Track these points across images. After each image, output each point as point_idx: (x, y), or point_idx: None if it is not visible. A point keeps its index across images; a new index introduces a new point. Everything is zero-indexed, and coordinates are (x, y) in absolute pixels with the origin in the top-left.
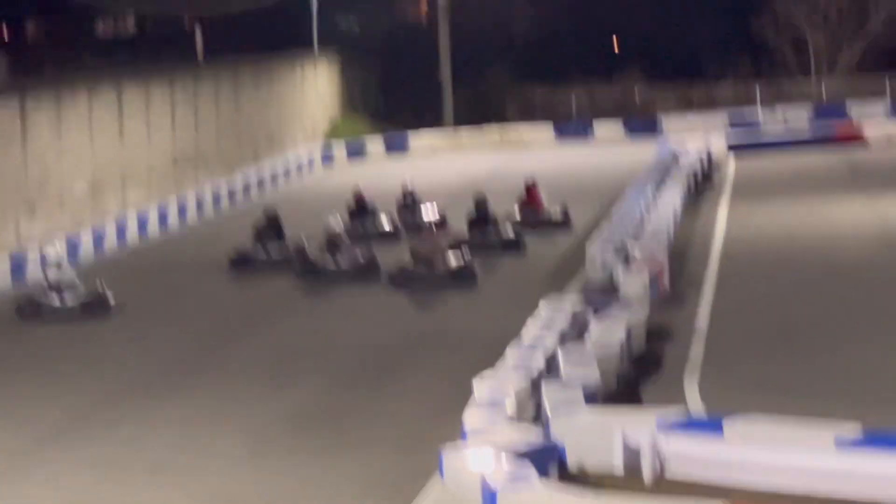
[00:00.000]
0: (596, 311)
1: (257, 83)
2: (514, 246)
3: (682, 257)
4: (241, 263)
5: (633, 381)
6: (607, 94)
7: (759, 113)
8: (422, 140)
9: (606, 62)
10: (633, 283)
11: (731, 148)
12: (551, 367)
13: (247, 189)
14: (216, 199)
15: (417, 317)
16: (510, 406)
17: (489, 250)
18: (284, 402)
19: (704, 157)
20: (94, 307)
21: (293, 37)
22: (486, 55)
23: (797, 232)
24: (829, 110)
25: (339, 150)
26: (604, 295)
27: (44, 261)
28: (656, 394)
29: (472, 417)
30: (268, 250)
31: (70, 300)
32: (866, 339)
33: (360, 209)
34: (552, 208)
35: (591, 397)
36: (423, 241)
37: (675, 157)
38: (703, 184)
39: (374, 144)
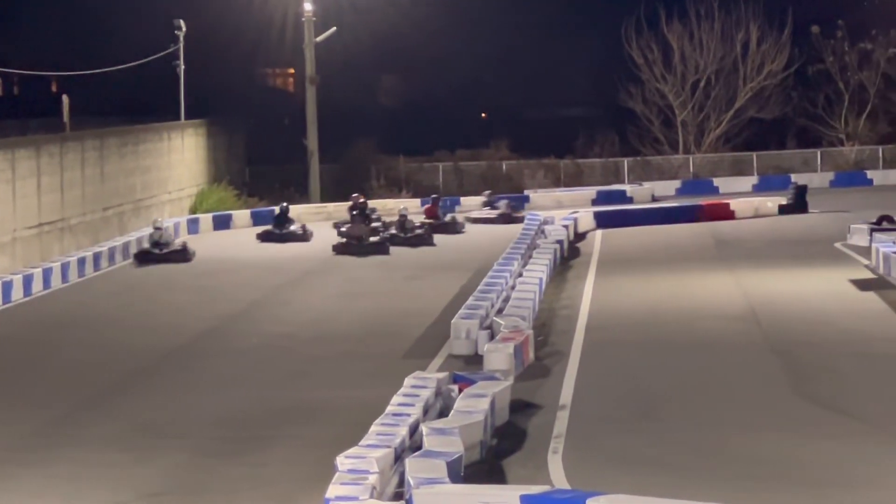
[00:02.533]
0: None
1: (123, 152)
2: (425, 242)
3: (548, 329)
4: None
5: (497, 453)
6: (474, 167)
7: (627, 186)
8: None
9: (474, 135)
10: (498, 355)
11: (598, 221)
12: (415, 440)
13: (112, 256)
14: (81, 265)
15: (283, 387)
16: (373, 480)
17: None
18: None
19: (571, 229)
20: (182, 254)
21: (160, 104)
22: (354, 126)
23: (662, 305)
24: (697, 185)
25: (206, 219)
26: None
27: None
28: (520, 466)
29: (335, 492)
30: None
31: (166, 250)
32: (722, 414)
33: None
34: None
35: (455, 470)
36: (351, 228)
37: (542, 230)
38: (569, 256)
39: (241, 214)
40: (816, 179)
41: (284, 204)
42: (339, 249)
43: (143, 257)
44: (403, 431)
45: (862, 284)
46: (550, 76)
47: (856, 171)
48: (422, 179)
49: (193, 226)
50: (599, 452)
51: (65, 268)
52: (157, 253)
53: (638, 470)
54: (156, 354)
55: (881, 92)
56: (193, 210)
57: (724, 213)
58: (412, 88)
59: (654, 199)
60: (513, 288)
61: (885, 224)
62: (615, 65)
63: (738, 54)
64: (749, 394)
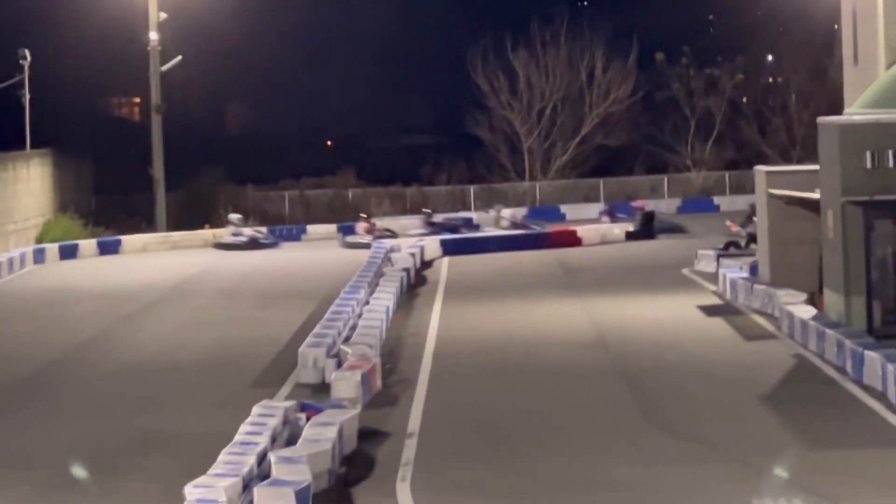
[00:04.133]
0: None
1: None
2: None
3: (395, 357)
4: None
5: (345, 481)
6: (321, 196)
7: (474, 214)
8: (134, 240)
9: (321, 163)
10: (345, 383)
11: (444, 248)
12: (263, 468)
13: None
14: None
15: (132, 417)
16: None
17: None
18: None
19: (418, 256)
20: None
21: (5, 134)
22: (202, 155)
23: (510, 331)
24: (544, 212)
25: (52, 249)
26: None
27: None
28: (368, 495)
29: None
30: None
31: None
32: (572, 441)
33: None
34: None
35: (303, 499)
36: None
37: (389, 258)
38: (416, 283)
39: (87, 244)
40: (664, 205)
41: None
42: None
43: (227, 246)
44: (251, 460)
45: (709, 310)
46: (396, 104)
47: (703, 198)
48: (268, 208)
49: (40, 255)
50: (448, 480)
51: None
52: (235, 242)
53: (488, 498)
54: (1, 386)
55: (727, 117)
56: (40, 240)
57: (571, 241)
58: (259, 116)
59: (500, 225)
60: (360, 316)
61: (732, 250)
62: (461, 92)
63: (583, 81)
64: (599, 420)
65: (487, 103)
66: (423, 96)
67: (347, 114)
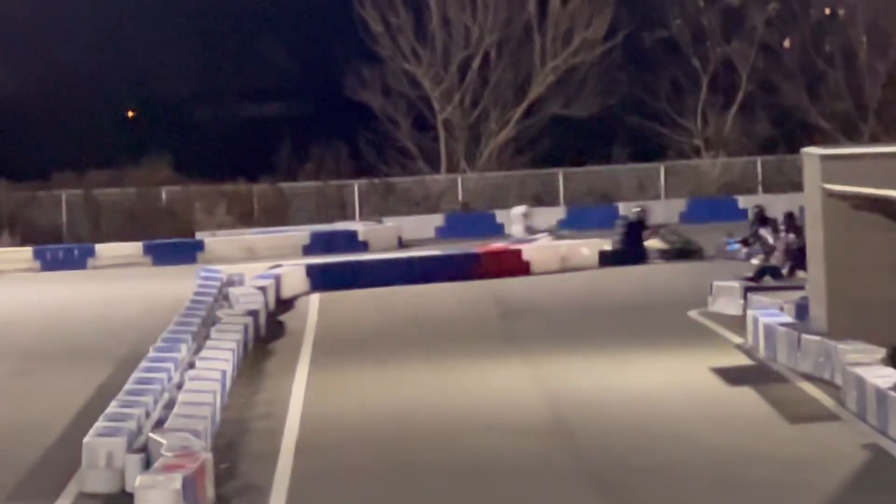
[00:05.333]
0: None
1: None
2: None
3: (236, 452)
4: None
5: None
6: (118, 198)
7: (360, 226)
8: None
9: (117, 147)
10: (158, 493)
11: (313, 280)
12: None
13: None
14: None
15: None
16: None
17: None
18: None
19: (272, 292)
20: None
21: None
22: None
23: (419, 412)
24: (470, 222)
25: None
26: None
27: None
28: None
29: None
30: None
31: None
32: None
33: None
34: None
35: None
36: None
37: (225, 295)
38: (269, 336)
39: None
40: (660, 210)
41: None
42: None
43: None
44: None
45: (732, 375)
46: (235, 55)
47: (721, 198)
48: (36, 217)
49: None
50: None
51: None
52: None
53: None
54: None
55: (759, 72)
56: None
57: (514, 266)
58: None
59: (402, 246)
60: (180, 387)
61: (768, 280)
62: (339, 37)
63: (531, 16)
64: None
65: (380, 52)
66: (279, 42)
67: (159, 70)
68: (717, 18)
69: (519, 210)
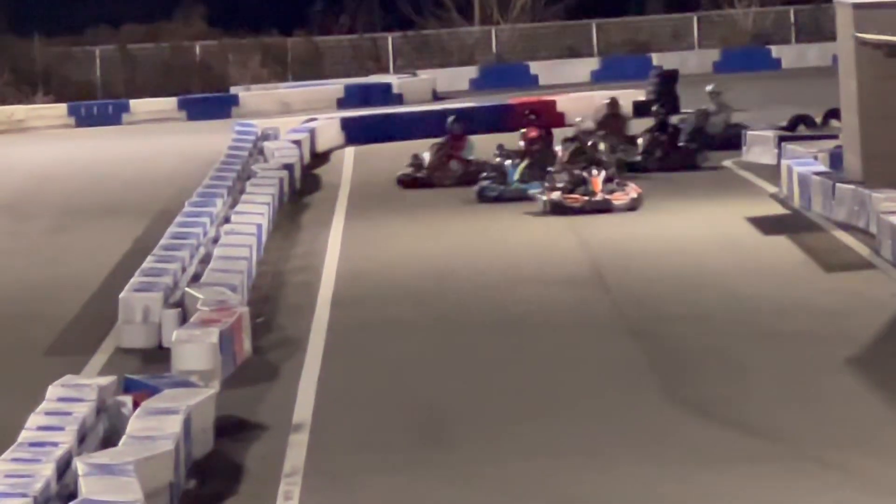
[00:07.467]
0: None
1: None
2: None
3: (273, 305)
4: None
5: (195, 498)
6: (152, 53)
7: (394, 79)
8: None
9: (151, 2)
10: (195, 347)
11: (348, 133)
12: (67, 483)
13: None
14: None
15: None
16: None
17: None
18: None
19: (306, 147)
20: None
21: None
22: None
23: (455, 264)
24: (504, 74)
25: None
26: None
27: None
28: None
29: None
30: None
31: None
32: (550, 435)
33: None
34: None
35: None
36: None
37: (260, 149)
38: (304, 189)
39: None
40: (693, 61)
41: None
42: None
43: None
44: (48, 471)
45: (766, 224)
46: None
47: (754, 47)
48: (70, 73)
49: None
50: (359, 498)
51: None
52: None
53: None
54: None
55: None
56: None
57: (546, 117)
58: None
59: (437, 98)
60: (215, 241)
61: (802, 129)
62: None
63: None
64: (592, 402)
65: None
66: None
67: None
68: None
69: None
